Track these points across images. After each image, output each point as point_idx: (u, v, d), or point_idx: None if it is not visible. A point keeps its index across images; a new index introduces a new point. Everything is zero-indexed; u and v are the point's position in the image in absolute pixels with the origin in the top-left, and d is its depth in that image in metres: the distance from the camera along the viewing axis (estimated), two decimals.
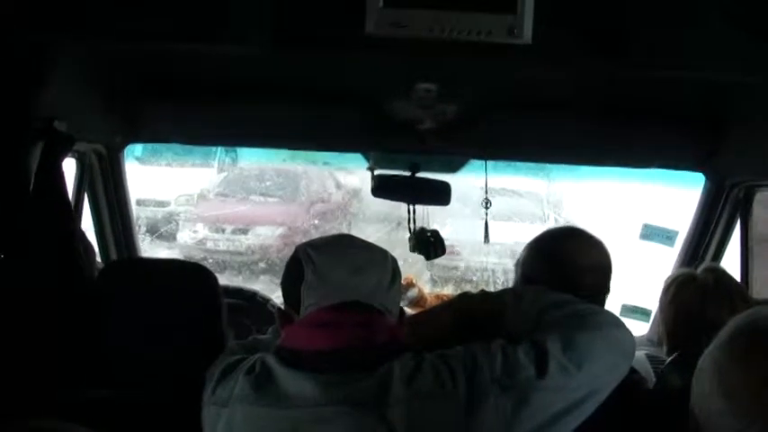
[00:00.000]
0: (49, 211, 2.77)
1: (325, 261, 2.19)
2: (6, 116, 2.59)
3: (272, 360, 2.14)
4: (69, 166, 3.15)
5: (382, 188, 3.87)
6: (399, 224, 4.35)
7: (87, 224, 3.71)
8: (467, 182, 4.42)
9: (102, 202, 3.87)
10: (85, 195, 3.77)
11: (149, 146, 5.09)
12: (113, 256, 3.94)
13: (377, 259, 2.25)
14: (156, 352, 2.61)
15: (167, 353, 2.60)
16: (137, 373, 2.60)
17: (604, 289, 2.61)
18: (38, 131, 2.75)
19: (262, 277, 10.12)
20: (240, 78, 3.18)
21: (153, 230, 11.10)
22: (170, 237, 11.62)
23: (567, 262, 2.58)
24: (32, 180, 2.77)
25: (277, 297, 4.23)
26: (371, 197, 3.96)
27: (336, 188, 12.82)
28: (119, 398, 2.57)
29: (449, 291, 6.82)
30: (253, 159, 12.16)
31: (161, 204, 11.86)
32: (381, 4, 2.18)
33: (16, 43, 2.51)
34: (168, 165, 11.08)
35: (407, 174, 3.78)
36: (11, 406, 2.46)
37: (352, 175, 11.88)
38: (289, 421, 2.06)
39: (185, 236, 11.76)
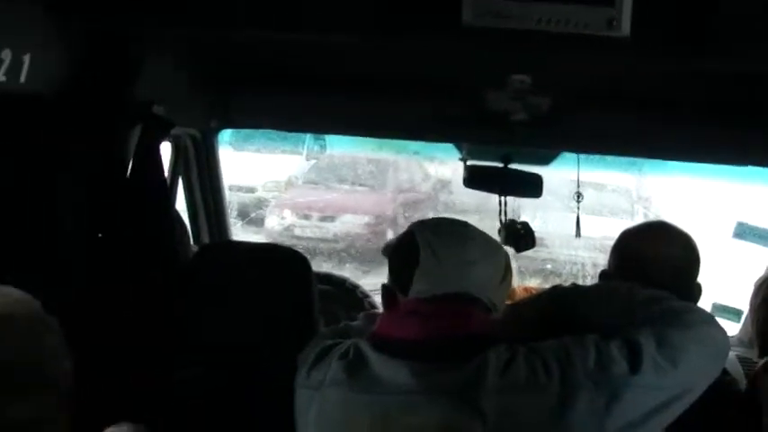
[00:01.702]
0: (146, 193, 2.82)
1: (444, 247, 2.18)
2: (108, 100, 2.64)
3: (366, 346, 2.16)
4: (164, 150, 3.19)
5: (474, 179, 3.87)
6: (487, 215, 4.33)
7: (181, 207, 3.76)
8: (557, 174, 4.38)
9: (196, 186, 3.92)
10: (180, 179, 3.83)
11: (240, 131, 5.13)
12: (206, 239, 3.99)
13: (491, 253, 2.25)
14: (248, 334, 2.65)
15: (259, 336, 2.64)
16: (229, 355, 2.64)
17: (683, 285, 2.55)
18: (137, 115, 2.80)
19: (348, 265, 10.16)
20: (334, 66, 3.20)
21: (241, 215, 11.21)
22: (258, 222, 11.73)
23: (636, 256, 2.55)
24: (131, 162, 2.83)
25: (364, 284, 4.25)
26: (459, 187, 3.95)
27: (424, 178, 12.82)
28: (210, 379, 2.62)
29: (536, 283, 6.79)
30: (341, 147, 12.20)
31: (249, 190, 11.98)
32: None
33: (117, 31, 2.57)
34: (257, 151, 11.17)
35: (500, 165, 3.78)
36: (106, 385, 2.52)
37: (440, 164, 11.85)
38: (381, 407, 2.07)
39: (273, 222, 11.86)
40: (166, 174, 3.18)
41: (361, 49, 2.69)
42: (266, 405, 2.49)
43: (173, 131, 3.11)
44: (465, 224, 2.31)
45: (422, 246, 2.18)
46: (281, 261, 2.79)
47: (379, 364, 2.11)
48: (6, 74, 2.15)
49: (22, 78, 2.22)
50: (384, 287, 2.28)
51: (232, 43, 2.99)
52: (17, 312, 1.64)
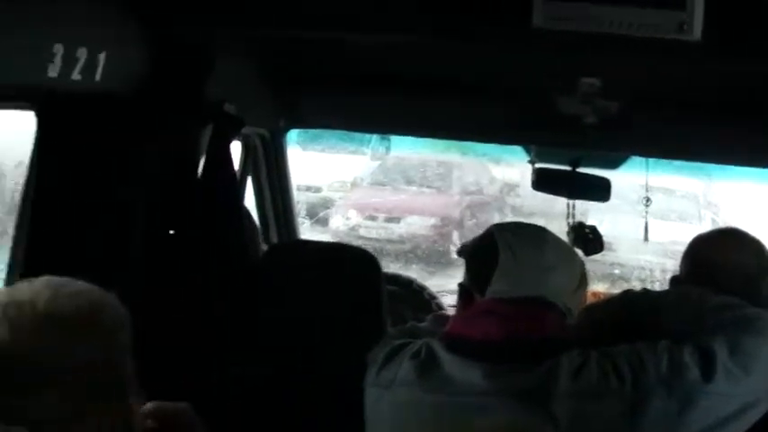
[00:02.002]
0: (217, 191, 2.85)
1: (523, 250, 2.20)
2: (181, 99, 2.67)
3: (438, 346, 2.17)
4: (234, 150, 3.22)
5: (543, 182, 3.86)
6: (554, 219, 4.32)
7: (249, 206, 3.79)
8: (625, 178, 4.36)
9: (265, 185, 3.95)
10: (249, 178, 3.86)
11: (307, 131, 5.17)
12: (274, 238, 4.02)
13: (569, 259, 2.26)
14: (316, 333, 2.67)
15: (327, 335, 2.66)
16: (296, 354, 2.67)
17: (753, 292, 2.52)
18: (209, 114, 2.83)
19: (413, 266, 10.17)
20: (402, 67, 3.21)
21: (308, 215, 11.26)
22: (323, 222, 11.78)
23: (707, 262, 2.52)
24: (202, 161, 2.86)
25: (430, 286, 4.26)
26: (526, 190, 3.95)
27: (491, 180, 12.79)
28: (277, 377, 2.64)
29: (603, 288, 6.73)
30: (406, 148, 12.21)
31: (315, 190, 12.03)
32: None
33: (191, 30, 2.60)
34: (323, 151, 11.22)
35: (568, 168, 3.77)
36: (174, 379, 2.55)
37: (507, 167, 11.82)
38: (452, 408, 2.08)
39: (338, 222, 11.91)
40: (236, 173, 3.21)
41: (430, 49, 2.70)
42: (332, 404, 2.51)
43: (242, 131, 3.14)
44: (543, 229, 2.32)
45: (502, 247, 2.20)
46: (351, 261, 2.81)
47: (452, 364, 2.12)
48: (82, 72, 2.18)
49: (98, 77, 2.26)
50: (461, 286, 2.30)
51: (302, 43, 3.01)
52: (100, 313, 1.67)
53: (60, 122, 2.41)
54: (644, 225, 3.96)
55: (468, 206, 12.22)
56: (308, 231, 10.39)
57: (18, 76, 2.05)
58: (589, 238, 3.83)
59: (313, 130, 5.51)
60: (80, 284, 1.67)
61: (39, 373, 1.57)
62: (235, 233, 2.88)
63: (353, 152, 12.37)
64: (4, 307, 1.59)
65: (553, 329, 2.14)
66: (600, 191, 3.82)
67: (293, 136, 4.15)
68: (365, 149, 12.55)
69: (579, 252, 3.83)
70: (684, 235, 2.80)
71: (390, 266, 9.72)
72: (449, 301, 4.01)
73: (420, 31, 2.32)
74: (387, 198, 12.09)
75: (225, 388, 2.65)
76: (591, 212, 4.05)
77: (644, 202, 3.88)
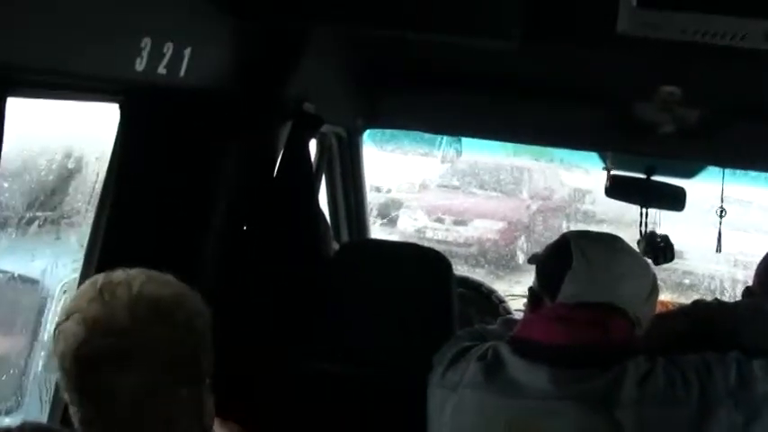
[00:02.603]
0: (293, 188, 2.88)
1: (597, 256, 2.20)
2: (262, 96, 2.70)
3: (504, 349, 2.17)
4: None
5: (617, 189, 3.84)
6: (626, 226, 4.30)
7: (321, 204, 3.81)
8: (700, 187, 4.32)
9: (338, 184, 3.97)
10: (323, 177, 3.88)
11: (378, 132, 5.19)
12: (345, 237, 4.04)
13: (640, 268, 2.25)
14: (385, 331, 2.68)
15: (397, 334, 2.67)
16: (365, 351, 2.68)
17: None
18: (288, 112, 2.86)
19: (480, 270, 10.15)
20: (481, 69, 3.21)
21: (379, 215, 11.28)
22: (391, 223, 11.79)
23: None
24: (279, 157, 2.89)
25: (497, 290, 4.24)
26: (597, 197, 3.93)
27: (560, 185, 12.71)
28: (346, 373, 2.66)
29: (671, 297, 6.67)
30: (477, 151, 12.17)
31: (384, 190, 12.05)
32: (635, 3, 2.16)
33: (273, 29, 2.62)
34: (393, 151, 11.22)
35: (643, 176, 3.74)
36: (246, 374, 2.58)
37: (577, 172, 11.74)
38: (517, 410, 2.08)
39: (406, 223, 11.91)
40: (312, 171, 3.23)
41: (510, 53, 2.69)
42: (396, 402, 2.52)
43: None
44: (616, 237, 2.32)
45: (575, 253, 2.20)
46: (423, 261, 2.81)
47: (518, 367, 2.12)
48: (167, 67, 2.21)
49: (182, 72, 2.28)
50: (531, 290, 2.30)
51: (382, 43, 3.02)
52: (186, 302, 1.72)
53: (143, 116, 2.44)
54: (717, 235, 3.91)
55: (538, 211, 12.17)
56: (376, 232, 10.41)
57: (105, 69, 2.08)
58: (660, 247, 3.79)
59: (384, 131, 5.52)
60: (169, 276, 1.74)
61: (126, 348, 1.63)
62: (308, 231, 2.90)
63: (424, 154, 12.36)
64: (100, 286, 1.67)
65: (620, 335, 2.14)
66: (674, 200, 3.79)
67: (366, 136, 4.16)
68: (435, 151, 12.54)
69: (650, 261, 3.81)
70: (757, 246, 2.76)
71: (457, 269, 9.71)
72: (515, 305, 4.00)
73: (503, 35, 2.31)
74: (455, 201, 12.07)
75: (294, 383, 2.67)
76: (663, 221, 4.00)
77: (718, 212, 3.84)
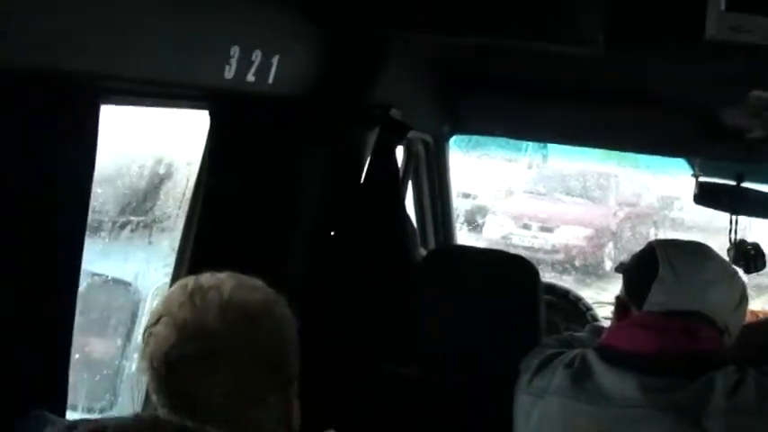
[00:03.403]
0: (380, 194, 2.90)
1: (684, 265, 2.18)
2: (349, 103, 2.73)
3: (592, 356, 2.16)
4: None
5: (705, 196, 3.79)
6: (715, 234, 4.23)
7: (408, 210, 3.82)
8: None
9: (425, 190, 3.98)
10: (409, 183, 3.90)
11: (464, 138, 5.19)
12: (431, 243, 4.05)
13: (729, 276, 2.23)
14: (471, 338, 2.68)
15: (483, 340, 2.67)
16: (451, 357, 2.69)
17: None
18: (375, 118, 2.88)
19: (566, 277, 10.08)
20: (567, 76, 3.20)
21: (465, 221, 11.26)
22: (477, 229, 11.77)
23: None
24: (366, 164, 2.91)
25: (584, 297, 4.22)
26: (684, 203, 3.88)
27: (647, 192, 12.57)
28: (432, 378, 2.67)
29: (759, 306, 6.55)
30: (563, 157, 12.10)
31: (470, 196, 12.03)
32: (723, 7, 2.13)
33: (360, 37, 2.65)
34: (479, 157, 11.20)
35: (732, 183, 3.69)
36: (333, 377, 2.60)
37: (665, 179, 11.60)
38: (604, 419, 2.07)
39: (492, 229, 11.88)
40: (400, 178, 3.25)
41: (597, 59, 2.68)
42: (481, 408, 2.53)
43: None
44: (704, 245, 2.30)
45: (661, 261, 2.18)
46: (510, 267, 2.81)
47: (606, 375, 2.11)
48: (256, 74, 2.24)
49: (270, 80, 2.32)
50: (617, 299, 2.29)
51: (469, 50, 3.03)
52: (275, 307, 1.75)
53: (232, 123, 2.48)
54: None
55: (625, 218, 12.05)
56: (462, 238, 10.40)
57: (195, 77, 2.12)
58: (751, 255, 3.73)
59: (471, 137, 5.51)
60: (257, 281, 1.76)
61: (216, 352, 1.66)
62: (395, 237, 2.92)
63: (510, 160, 12.33)
64: (191, 291, 1.69)
65: (707, 344, 2.12)
66: (765, 207, 3.73)
67: (452, 142, 4.17)
68: (521, 157, 12.50)
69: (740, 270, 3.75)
70: None
71: (544, 276, 9.65)
72: (603, 312, 3.97)
73: (590, 41, 2.30)
74: (541, 207, 12.01)
75: (380, 387, 2.69)
76: (754, 228, 3.94)
77: None
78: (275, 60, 2.30)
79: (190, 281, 1.75)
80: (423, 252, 3.29)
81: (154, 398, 1.74)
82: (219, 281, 1.73)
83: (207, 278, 1.74)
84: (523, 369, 2.32)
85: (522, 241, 11.45)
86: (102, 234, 3.55)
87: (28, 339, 1.83)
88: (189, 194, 2.58)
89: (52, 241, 1.84)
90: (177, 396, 1.69)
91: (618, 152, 7.23)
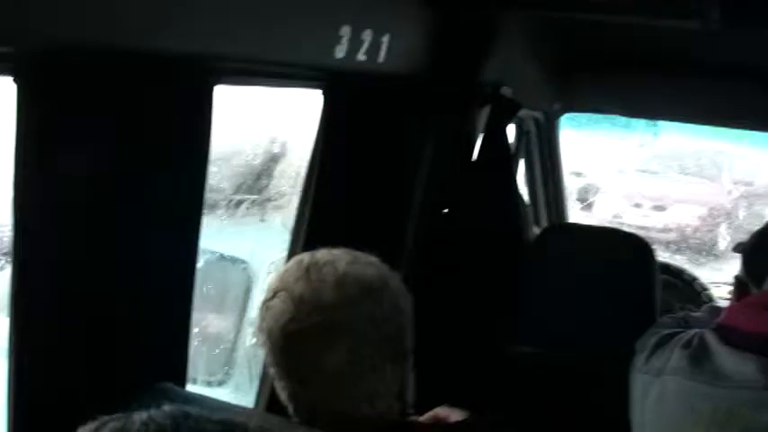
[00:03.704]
0: (492, 172, 2.90)
1: None
2: (460, 81, 2.73)
3: (711, 337, 2.12)
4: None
5: None
6: None
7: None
8: None
9: (536, 168, 3.96)
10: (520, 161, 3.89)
11: (574, 115, 5.16)
12: (543, 221, 4.03)
13: None
14: (586, 315, 2.67)
15: (598, 318, 2.65)
16: (565, 335, 2.67)
17: None
18: (486, 96, 2.87)
19: (678, 256, 9.93)
20: (682, 52, 3.15)
21: (578, 199, 11.16)
22: (586, 207, 11.65)
23: None
24: (478, 142, 2.91)
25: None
26: None
27: (763, 171, 12.28)
28: (546, 356, 2.66)
29: None
30: (675, 135, 11.89)
31: (579, 174, 11.90)
32: None
33: (470, 11, 2.64)
34: (588, 135, 11.09)
35: None
36: (445, 354, 2.61)
37: None
38: (724, 401, 2.03)
39: (602, 208, 11.74)
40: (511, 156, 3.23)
41: (710, 35, 2.63)
42: (595, 386, 2.51)
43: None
44: None
45: None
46: (626, 246, 2.78)
47: (725, 356, 2.06)
48: (366, 53, 2.25)
49: (381, 59, 2.33)
50: (736, 278, 2.25)
51: (579, 26, 3.00)
52: (390, 281, 1.77)
53: (343, 102, 2.50)
54: None
55: (741, 197, 11.79)
56: (573, 217, 10.30)
57: (307, 57, 2.14)
58: None
59: (581, 115, 5.46)
60: (372, 257, 1.78)
61: (333, 325, 1.68)
62: (508, 215, 2.91)
63: (620, 137, 12.17)
64: (306, 266, 1.72)
65: None
66: None
67: (563, 119, 4.14)
68: (632, 135, 12.33)
69: None
70: None
71: (657, 255, 9.51)
72: (717, 293, 3.90)
73: (706, 16, 2.26)
74: (653, 185, 11.82)
75: (494, 366, 2.69)
76: None
77: None
78: (386, 39, 2.30)
79: (305, 256, 1.78)
80: (536, 230, 3.27)
81: (272, 370, 1.77)
82: (334, 256, 1.76)
83: (322, 254, 1.77)
84: (639, 348, 2.29)
85: (632, 220, 11.29)
86: (219, 212, 3.62)
87: (150, 315, 1.88)
88: (302, 173, 2.61)
89: (171, 219, 1.88)
90: (293, 367, 1.72)
91: (733, 130, 7.09)
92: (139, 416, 0.81)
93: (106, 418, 0.83)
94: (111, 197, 1.76)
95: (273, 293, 1.74)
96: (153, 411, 0.82)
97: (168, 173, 1.84)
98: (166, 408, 0.83)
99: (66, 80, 1.63)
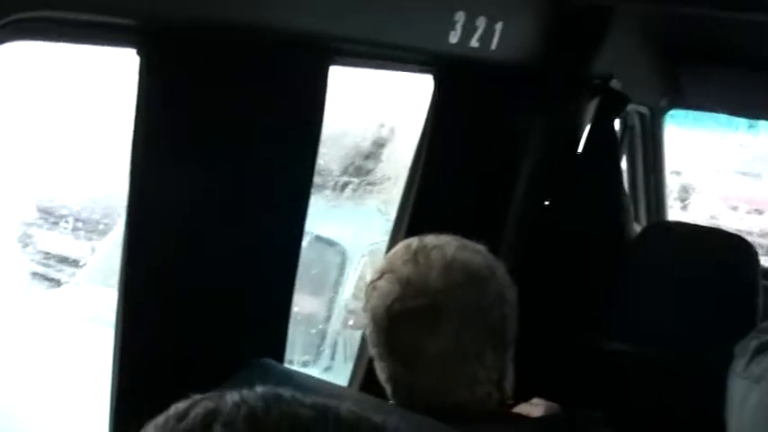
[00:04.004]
0: (598, 166, 2.87)
1: None
2: (568, 72, 2.70)
3: None
4: None
5: None
6: None
7: None
8: None
9: (639, 164, 3.92)
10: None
11: (676, 111, 5.10)
12: (643, 218, 3.99)
13: None
14: (685, 315, 2.63)
15: (697, 318, 2.62)
16: (663, 334, 2.64)
17: None
18: (595, 88, 2.85)
19: None
20: None
21: (674, 198, 11.02)
22: (683, 207, 11.49)
23: None
24: (584, 135, 2.88)
25: None
26: None
27: None
28: (644, 355, 2.63)
29: None
30: None
31: (678, 173, 11.74)
32: None
33: (585, 5, 2.62)
34: (689, 134, 10.92)
35: None
36: (544, 347, 2.60)
37: None
38: None
39: (697, 208, 11.57)
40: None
41: None
42: (690, 387, 2.48)
43: None
44: None
45: None
46: (728, 247, 2.74)
47: None
48: (479, 40, 2.24)
49: (493, 46, 2.31)
50: None
51: (689, 21, 2.96)
52: (497, 271, 1.77)
53: (454, 88, 2.49)
54: None
55: None
56: (671, 216, 10.17)
57: (420, 41, 2.14)
58: None
59: (682, 111, 5.38)
60: (480, 246, 1.78)
61: (438, 309, 1.69)
62: (612, 210, 2.89)
63: (719, 137, 11.97)
64: (415, 249, 1.73)
65: None
66: None
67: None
68: (732, 134, 12.13)
69: None
70: None
71: None
72: None
73: None
74: (752, 188, 11.61)
75: (591, 362, 2.67)
76: None
77: None
78: (499, 27, 2.29)
79: (414, 240, 1.78)
80: (636, 227, 3.23)
81: (373, 351, 1.78)
82: (443, 242, 1.76)
83: (431, 239, 1.77)
84: (739, 353, 2.24)
85: (730, 222, 11.11)
86: (326, 192, 3.64)
87: (254, 291, 1.90)
88: (408, 158, 2.61)
89: (280, 197, 1.89)
90: (396, 348, 1.73)
91: None
92: (231, 396, 0.80)
93: (199, 396, 0.82)
94: (223, 172, 1.78)
95: (380, 274, 1.75)
96: (245, 392, 0.81)
97: (280, 151, 1.85)
98: (259, 389, 0.82)
99: (186, 55, 1.65)
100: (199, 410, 0.80)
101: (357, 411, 0.81)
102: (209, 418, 0.79)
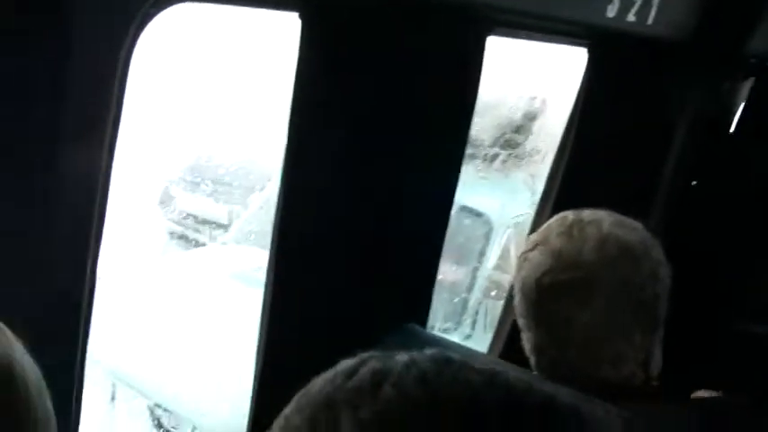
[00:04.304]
0: (751, 147, 2.81)
1: None
2: (724, 50, 2.65)
3: None
4: None
5: None
6: None
7: None
8: None
9: None
10: None
11: None
12: None
13: None
14: None
15: None
16: None
17: None
18: (751, 68, 2.79)
19: None
20: None
21: None
22: None
23: None
24: (737, 114, 2.83)
25: None
26: None
27: None
28: None
29: None
30: None
31: None
32: None
33: None
34: None
35: None
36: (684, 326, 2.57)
37: None
38: None
39: None
40: None
41: None
42: None
43: None
44: None
45: None
46: None
47: None
48: (636, 14, 2.22)
49: (650, 20, 2.28)
50: None
51: None
52: (652, 249, 1.74)
53: (608, 61, 2.47)
54: None
55: None
56: None
57: (578, 14, 2.12)
58: None
59: None
60: (636, 223, 1.76)
61: (589, 282, 1.68)
62: (763, 190, 2.82)
63: None
64: (570, 223, 1.72)
65: None
66: None
67: None
68: None
69: None
70: None
71: None
72: None
73: None
74: None
75: (729, 341, 2.63)
76: None
77: None
78: (656, 2, 2.26)
79: (570, 213, 1.77)
80: None
81: (520, 320, 1.78)
82: (599, 216, 1.74)
83: (587, 213, 1.76)
84: None
85: None
86: (476, 162, 3.64)
87: (403, 257, 1.93)
88: (557, 132, 2.60)
89: (432, 164, 1.92)
90: (544, 320, 1.73)
91: None
92: (401, 357, 0.79)
93: (366, 354, 0.81)
94: (377, 137, 1.80)
95: (533, 246, 1.75)
96: (416, 354, 0.79)
97: (435, 118, 1.87)
98: (428, 351, 0.81)
99: (346, 20, 1.68)
100: (368, 369, 0.79)
101: (526, 380, 0.79)
102: (379, 376, 0.78)
